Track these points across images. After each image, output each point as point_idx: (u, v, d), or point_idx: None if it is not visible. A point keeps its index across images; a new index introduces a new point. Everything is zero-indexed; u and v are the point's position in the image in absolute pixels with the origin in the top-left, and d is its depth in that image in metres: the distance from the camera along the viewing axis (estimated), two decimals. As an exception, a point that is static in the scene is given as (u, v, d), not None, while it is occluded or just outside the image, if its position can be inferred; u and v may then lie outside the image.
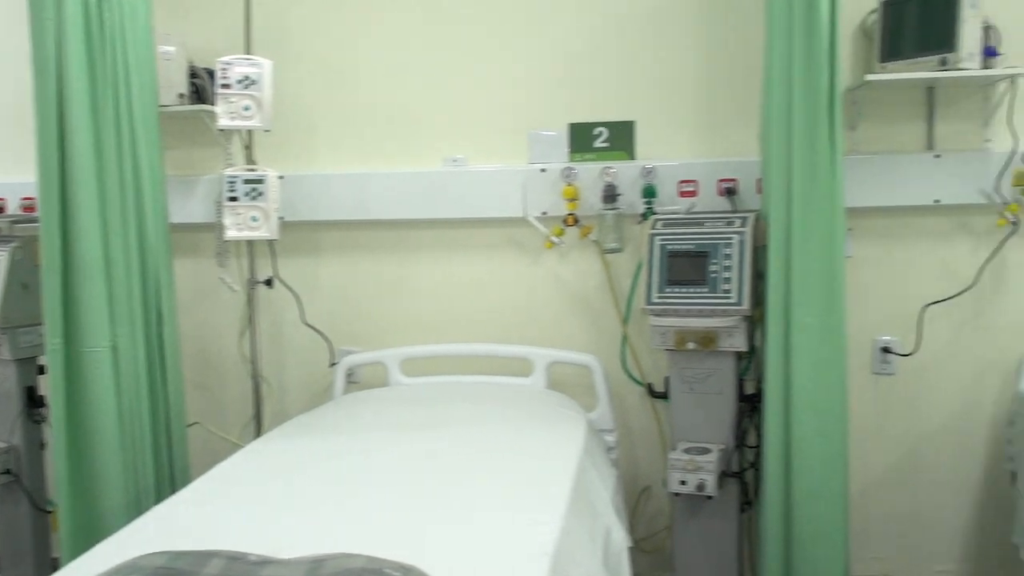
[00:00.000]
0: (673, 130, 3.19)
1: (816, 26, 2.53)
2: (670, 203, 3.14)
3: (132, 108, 2.85)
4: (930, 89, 3.09)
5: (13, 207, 3.58)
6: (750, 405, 2.95)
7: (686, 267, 2.85)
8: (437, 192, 3.29)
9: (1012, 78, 2.94)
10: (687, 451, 2.88)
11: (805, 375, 2.66)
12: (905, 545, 3.26)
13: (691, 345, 2.86)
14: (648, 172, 3.11)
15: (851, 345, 3.11)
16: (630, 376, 3.21)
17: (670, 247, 2.88)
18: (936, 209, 3.09)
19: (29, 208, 3.46)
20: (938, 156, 3.06)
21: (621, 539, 2.39)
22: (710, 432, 2.94)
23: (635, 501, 3.31)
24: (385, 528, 1.91)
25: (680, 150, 3.18)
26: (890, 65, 2.93)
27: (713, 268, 2.82)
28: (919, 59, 2.87)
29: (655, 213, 3.08)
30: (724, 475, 2.90)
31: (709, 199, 3.13)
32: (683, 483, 2.83)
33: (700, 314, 2.83)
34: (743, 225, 2.85)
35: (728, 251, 2.82)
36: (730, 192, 3.09)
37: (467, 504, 2.07)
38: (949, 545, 3.25)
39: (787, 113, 2.63)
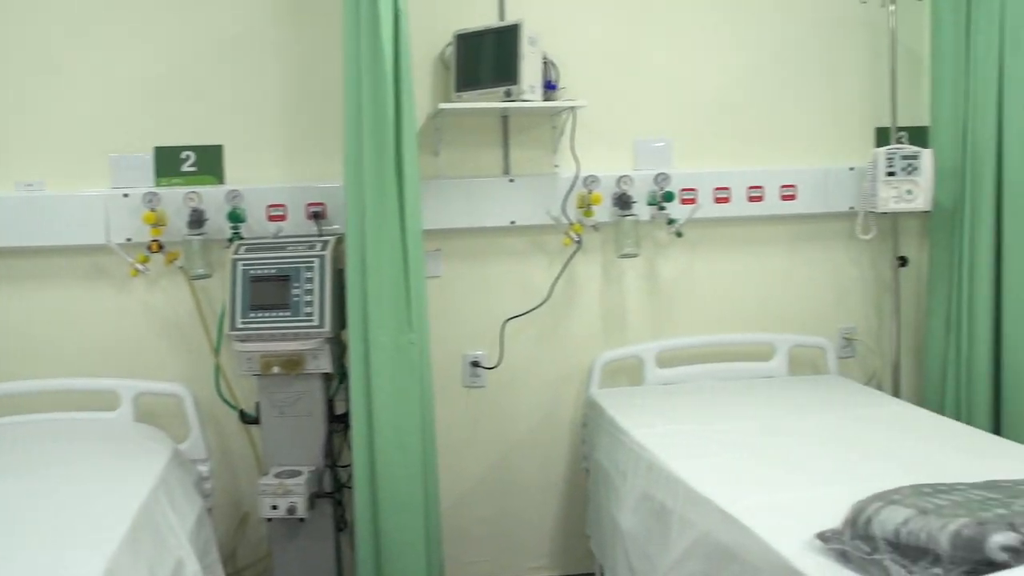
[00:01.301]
0: (263, 154, 3.18)
1: (380, 56, 2.61)
2: (260, 227, 3.13)
3: None
4: (505, 118, 3.30)
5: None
6: (343, 425, 3.00)
7: (269, 291, 2.85)
8: (10, 219, 3.07)
9: (572, 109, 3.20)
10: (278, 475, 2.88)
11: (384, 392, 2.74)
12: (502, 547, 3.45)
13: (276, 369, 2.86)
14: (234, 196, 3.08)
15: (444, 360, 3.29)
16: (226, 402, 3.16)
17: (252, 272, 2.87)
18: (513, 229, 3.31)
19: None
20: (512, 180, 3.27)
21: (194, 571, 2.35)
22: (302, 455, 2.96)
23: (236, 528, 3.26)
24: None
25: (270, 174, 3.18)
26: (465, 95, 3.11)
27: (295, 292, 2.85)
28: (488, 90, 3.06)
29: (242, 238, 3.06)
30: (316, 496, 2.93)
31: (299, 223, 3.15)
32: (274, 507, 2.83)
33: (284, 338, 2.84)
34: (324, 248, 2.90)
35: (309, 274, 2.86)
36: (317, 216, 3.13)
37: (13, 546, 1.96)
38: (540, 542, 3.48)
39: (358, 139, 2.71)
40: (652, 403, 3.12)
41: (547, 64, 3.19)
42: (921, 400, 3.50)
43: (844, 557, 1.77)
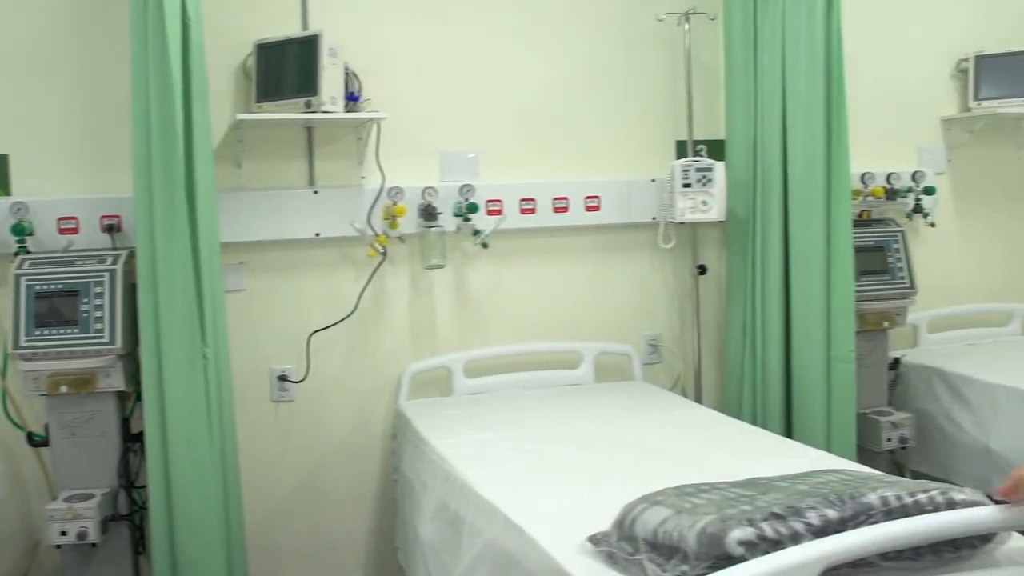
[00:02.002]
0: (54, 166, 3.06)
1: (167, 66, 2.56)
2: (51, 241, 3.01)
3: None
4: (309, 129, 3.28)
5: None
6: (140, 444, 2.91)
7: (56, 307, 2.75)
8: None
9: (376, 121, 3.20)
10: (68, 499, 2.76)
11: (178, 408, 2.68)
12: (315, 561, 3.41)
13: (65, 389, 2.76)
14: (19, 209, 2.95)
15: (251, 374, 3.24)
16: (15, 424, 3.02)
17: (38, 287, 2.76)
18: (320, 242, 3.28)
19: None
20: (316, 192, 3.25)
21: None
22: (95, 477, 2.85)
23: (29, 557, 3.12)
24: None
25: (62, 186, 3.06)
26: (266, 105, 3.07)
27: (84, 307, 2.75)
28: (289, 101, 3.04)
29: (29, 252, 2.93)
30: (111, 520, 2.83)
31: (93, 237, 3.03)
32: (63, 533, 2.71)
33: (72, 356, 2.74)
34: (115, 262, 2.81)
35: (99, 289, 2.76)
36: (112, 229, 3.03)
37: None
38: (353, 555, 3.45)
39: (147, 151, 2.64)
40: (457, 413, 3.14)
41: (349, 75, 3.18)
42: (722, 404, 3.65)
43: (611, 559, 1.83)
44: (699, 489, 1.89)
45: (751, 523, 1.60)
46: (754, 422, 3.37)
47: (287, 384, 3.30)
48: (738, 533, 1.57)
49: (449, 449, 2.71)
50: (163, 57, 2.56)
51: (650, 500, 1.85)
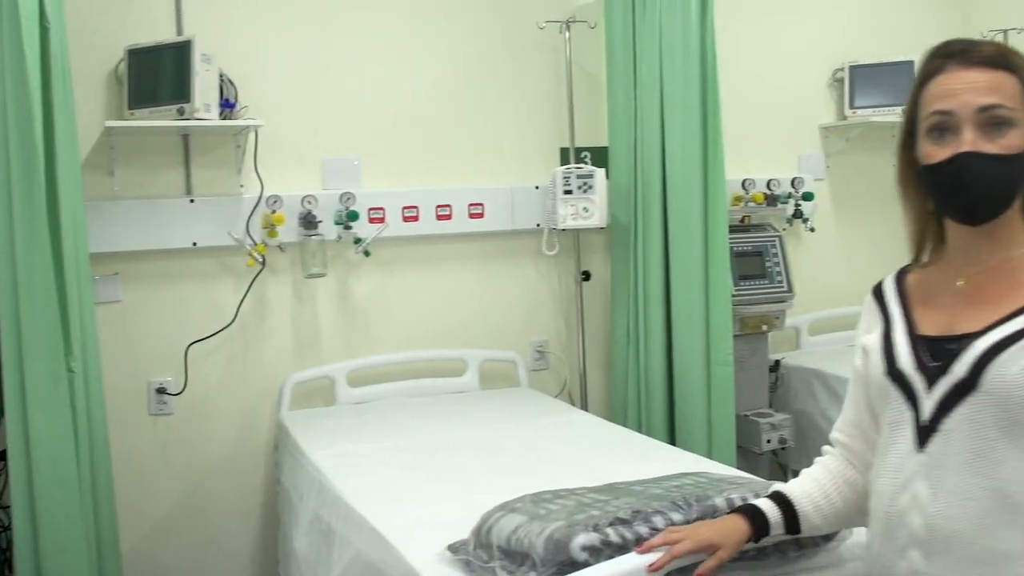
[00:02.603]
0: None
1: (23, 73, 2.48)
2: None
3: None
4: (186, 136, 3.22)
5: None
6: (3, 463, 2.82)
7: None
8: None
9: (254, 128, 3.15)
10: (-73, 520, 2.67)
11: (41, 424, 2.59)
12: (202, 577, 3.34)
13: (-80, 406, 2.66)
14: None
15: (127, 388, 3.17)
16: None
17: None
18: (197, 251, 3.22)
19: None
20: (193, 201, 3.19)
21: None
22: (-43, 496, 2.76)
23: None
24: None
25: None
26: (138, 112, 3.01)
27: (-58, 322, 2.65)
28: (161, 108, 2.98)
29: None
30: (-26, 540, 2.74)
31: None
32: (-78, 556, 2.61)
33: (-70, 372, 2.64)
34: (-25, 275, 2.71)
35: (-41, 303, 2.67)
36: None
37: None
38: (239, 570, 3.39)
39: (5, 160, 2.56)
40: (339, 423, 3.12)
41: (225, 82, 3.13)
42: (609, 410, 3.68)
43: (468, 566, 1.83)
44: (557, 495, 1.90)
45: (596, 528, 1.61)
46: (639, 426, 3.40)
47: (166, 397, 3.23)
48: (582, 539, 1.59)
49: (325, 460, 2.68)
50: (19, 64, 2.48)
51: (507, 507, 1.85)
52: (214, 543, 3.35)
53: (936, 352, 1.48)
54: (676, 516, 1.66)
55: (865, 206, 4.12)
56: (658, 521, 1.65)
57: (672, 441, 3.30)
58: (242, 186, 3.26)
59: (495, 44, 3.59)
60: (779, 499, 1.66)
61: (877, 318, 1.62)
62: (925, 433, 1.46)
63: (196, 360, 3.24)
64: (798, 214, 3.92)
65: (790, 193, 3.89)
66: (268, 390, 3.36)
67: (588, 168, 3.43)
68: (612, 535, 1.61)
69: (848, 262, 4.14)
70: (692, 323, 3.33)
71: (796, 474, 3.38)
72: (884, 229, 4.18)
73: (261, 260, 3.22)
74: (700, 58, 3.27)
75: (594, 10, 3.60)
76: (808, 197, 3.91)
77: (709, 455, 3.10)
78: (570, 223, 3.41)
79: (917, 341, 1.52)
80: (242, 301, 3.25)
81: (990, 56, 1.47)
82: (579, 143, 3.63)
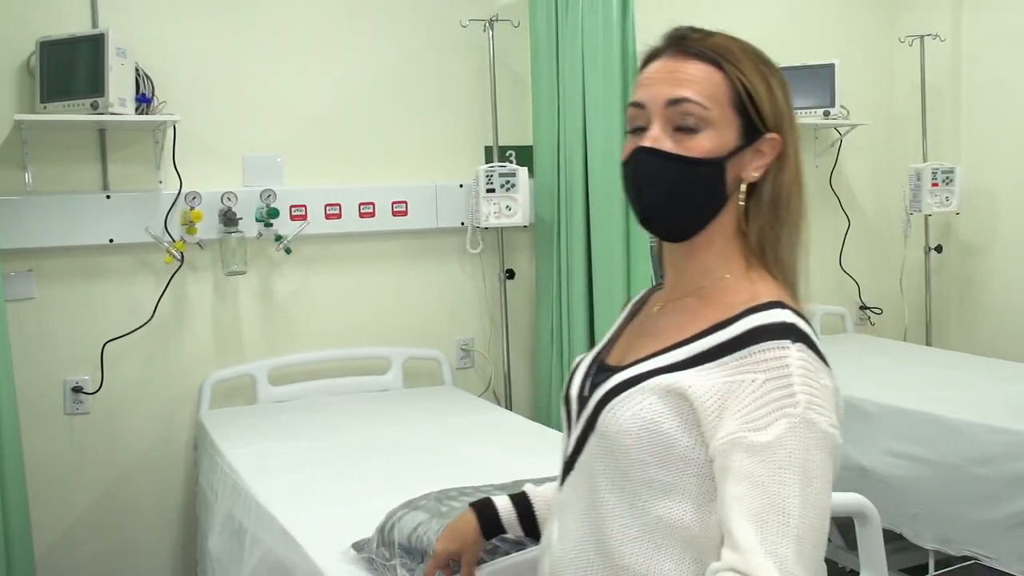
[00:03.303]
0: None
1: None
2: None
3: None
4: (102, 132, 3.16)
5: None
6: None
7: None
8: None
9: (172, 124, 3.11)
10: None
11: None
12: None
13: None
14: None
15: (42, 387, 3.12)
16: None
17: None
18: (115, 248, 3.17)
19: None
20: (109, 196, 3.14)
21: None
22: None
23: None
24: None
25: None
26: (51, 106, 2.95)
27: None
28: (75, 102, 2.92)
29: None
30: None
31: None
32: None
33: None
34: None
35: None
36: None
37: None
38: (158, 572, 3.34)
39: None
40: (258, 422, 3.09)
41: (141, 76, 3.09)
42: (533, 408, 3.70)
43: (371, 564, 1.82)
44: (462, 492, 1.90)
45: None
46: (563, 425, 3.41)
47: (82, 396, 3.18)
48: (478, 536, 1.59)
49: (240, 459, 2.66)
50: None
51: (411, 505, 1.86)
52: (133, 545, 3.30)
53: (597, 382, 1.29)
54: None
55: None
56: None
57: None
58: (160, 182, 3.22)
59: (419, 42, 3.58)
60: (518, 498, 1.54)
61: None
62: (566, 470, 1.32)
63: (113, 358, 3.19)
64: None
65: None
66: (187, 389, 3.31)
67: (511, 166, 3.44)
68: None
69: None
70: (615, 321, 3.34)
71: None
72: (812, 232, 4.28)
73: (180, 257, 3.18)
74: (621, 56, 3.29)
75: (518, 9, 3.61)
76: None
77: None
78: (493, 221, 3.42)
79: (595, 367, 1.35)
80: (160, 298, 3.21)
81: (705, 48, 1.29)
82: (504, 142, 3.64)
